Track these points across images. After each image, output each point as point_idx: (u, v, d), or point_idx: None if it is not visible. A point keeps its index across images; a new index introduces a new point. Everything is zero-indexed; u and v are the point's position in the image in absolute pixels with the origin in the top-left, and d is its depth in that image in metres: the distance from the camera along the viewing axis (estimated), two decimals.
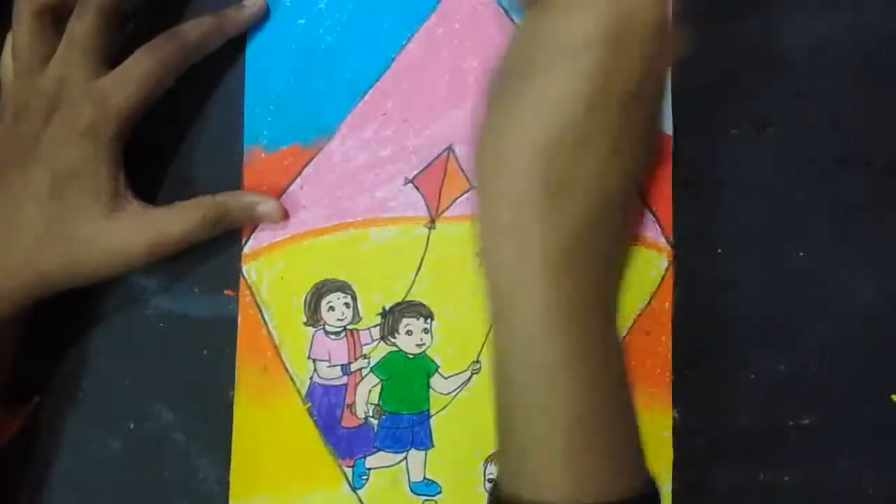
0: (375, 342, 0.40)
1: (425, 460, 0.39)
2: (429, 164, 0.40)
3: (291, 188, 0.40)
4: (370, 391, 0.39)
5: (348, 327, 0.40)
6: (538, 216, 0.29)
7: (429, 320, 0.39)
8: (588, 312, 0.30)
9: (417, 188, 0.40)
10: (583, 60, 0.28)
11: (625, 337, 0.39)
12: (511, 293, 0.30)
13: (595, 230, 0.30)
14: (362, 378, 0.40)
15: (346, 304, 0.40)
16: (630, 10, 0.29)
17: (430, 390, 0.39)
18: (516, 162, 0.29)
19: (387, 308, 0.40)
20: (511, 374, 0.30)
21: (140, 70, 0.37)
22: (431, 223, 0.40)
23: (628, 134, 0.30)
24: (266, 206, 0.39)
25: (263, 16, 0.40)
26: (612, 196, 0.30)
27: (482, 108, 0.31)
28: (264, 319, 0.40)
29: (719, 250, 0.39)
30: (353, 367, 0.40)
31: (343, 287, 0.40)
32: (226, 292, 0.40)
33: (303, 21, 0.41)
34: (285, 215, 0.40)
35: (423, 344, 0.39)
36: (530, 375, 0.29)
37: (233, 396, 0.40)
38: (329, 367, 0.40)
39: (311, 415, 0.39)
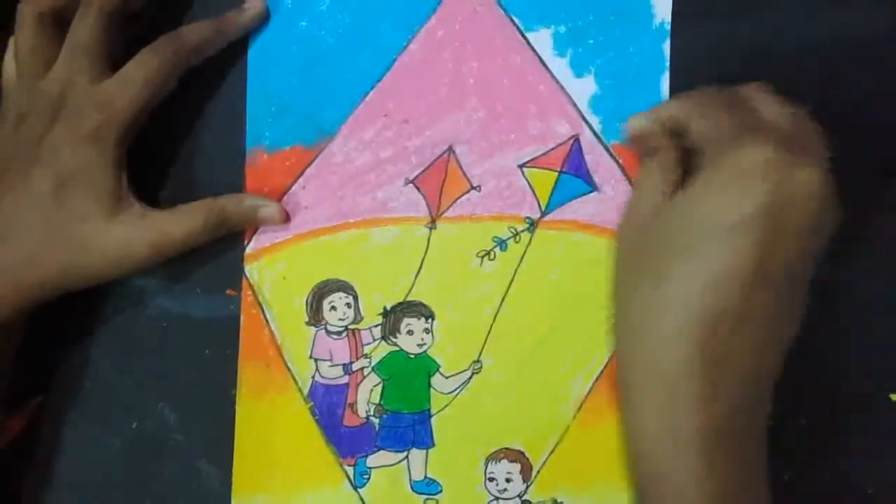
0: (377, 342, 0.40)
1: (426, 459, 0.39)
2: (429, 165, 0.40)
3: (293, 189, 0.40)
4: (371, 390, 0.40)
5: (350, 327, 0.40)
6: (696, 393, 0.29)
7: (430, 320, 0.40)
8: (744, 497, 0.30)
9: (418, 188, 0.40)
10: (741, 240, 0.29)
11: None
12: (662, 474, 0.30)
13: (751, 408, 0.30)
14: (364, 377, 0.40)
15: (348, 304, 0.40)
16: (790, 190, 0.29)
17: (431, 390, 0.39)
18: (675, 339, 0.29)
19: (388, 308, 0.40)
20: None
21: (142, 73, 0.37)
22: (432, 223, 0.40)
23: (785, 310, 0.30)
24: (267, 209, 0.39)
25: (264, 18, 0.41)
26: (768, 372, 0.30)
27: (617, 280, 0.33)
28: (266, 319, 0.40)
29: None
30: (355, 366, 0.40)
31: (344, 287, 0.40)
32: (228, 292, 0.40)
33: (304, 23, 0.41)
34: (287, 218, 0.40)
35: (424, 344, 0.39)
36: None
37: (235, 396, 0.40)
38: (330, 366, 0.40)
39: (312, 414, 0.40)
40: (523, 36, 0.40)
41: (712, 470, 0.29)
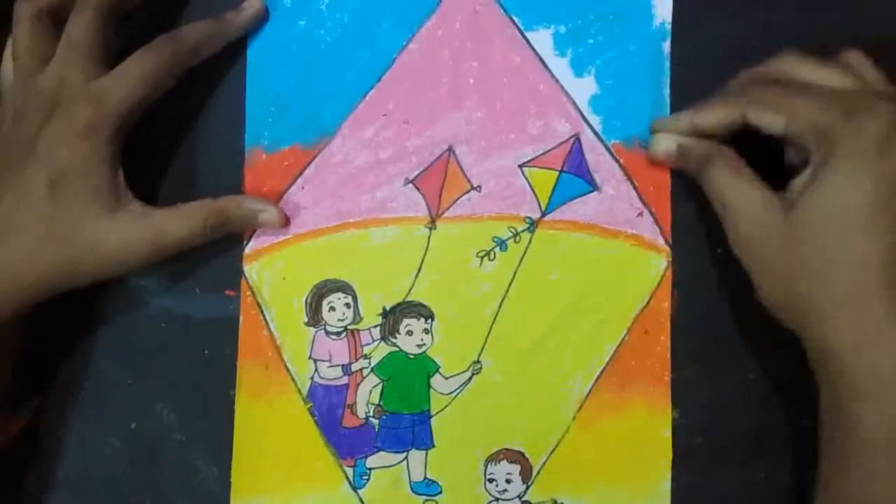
0: (376, 342, 0.40)
1: (426, 460, 0.39)
2: (429, 165, 0.40)
3: (292, 189, 0.40)
4: (371, 391, 0.40)
5: (349, 327, 0.40)
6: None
7: (429, 320, 0.39)
8: None
9: (418, 188, 0.40)
10: None
11: (624, 337, 0.39)
12: (860, 350, 0.32)
13: None
14: (363, 378, 0.40)
15: (347, 305, 0.40)
16: None
17: (431, 390, 0.39)
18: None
19: (387, 308, 0.40)
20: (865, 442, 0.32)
21: (138, 71, 0.37)
22: (432, 223, 0.40)
23: None
24: (268, 214, 0.39)
25: (263, 18, 0.40)
26: None
27: (782, 281, 0.34)
28: (265, 320, 0.40)
29: (718, 250, 0.39)
30: (354, 367, 0.40)
31: (344, 287, 0.40)
32: (227, 293, 0.40)
33: (303, 22, 0.41)
34: (287, 223, 0.40)
35: (424, 344, 0.39)
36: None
37: (234, 396, 0.40)
38: (330, 367, 0.40)
39: (311, 415, 0.40)
40: (523, 35, 0.40)
41: None
